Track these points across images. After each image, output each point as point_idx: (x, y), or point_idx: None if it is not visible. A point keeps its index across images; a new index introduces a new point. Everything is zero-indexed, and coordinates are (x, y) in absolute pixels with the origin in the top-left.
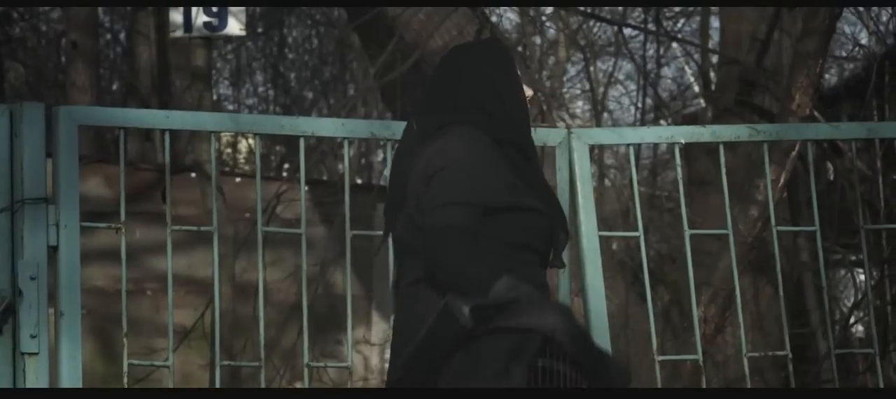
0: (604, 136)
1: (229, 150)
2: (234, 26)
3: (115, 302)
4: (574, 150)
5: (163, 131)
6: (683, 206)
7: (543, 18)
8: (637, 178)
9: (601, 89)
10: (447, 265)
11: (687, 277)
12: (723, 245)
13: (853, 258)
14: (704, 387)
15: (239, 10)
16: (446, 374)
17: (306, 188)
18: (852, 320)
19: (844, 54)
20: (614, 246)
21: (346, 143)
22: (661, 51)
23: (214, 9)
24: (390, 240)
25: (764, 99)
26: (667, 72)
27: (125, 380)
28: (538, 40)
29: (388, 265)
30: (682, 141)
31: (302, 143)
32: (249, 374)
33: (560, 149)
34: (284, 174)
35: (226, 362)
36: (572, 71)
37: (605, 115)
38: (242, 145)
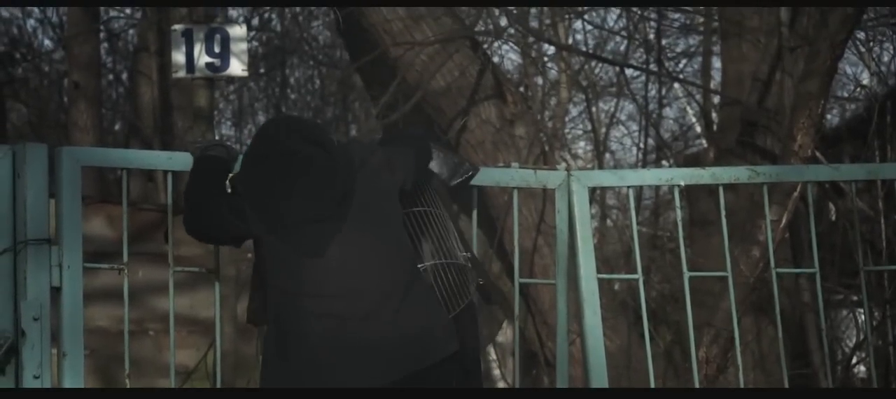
0: (604, 177)
1: None
2: (237, 67)
3: (117, 342)
4: (574, 192)
5: (165, 172)
6: (683, 248)
7: (545, 59)
8: (639, 219)
9: (603, 130)
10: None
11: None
12: (725, 285)
13: (855, 298)
14: None
15: (241, 51)
16: None
17: None
18: (854, 361)
19: (846, 95)
20: (616, 287)
21: None
22: (663, 91)
23: (217, 49)
24: None
25: (766, 139)
26: (668, 112)
27: None
28: (540, 81)
29: None
30: (682, 183)
31: None
32: None
33: (560, 191)
34: None
35: None
36: (574, 111)
37: (607, 155)
38: None
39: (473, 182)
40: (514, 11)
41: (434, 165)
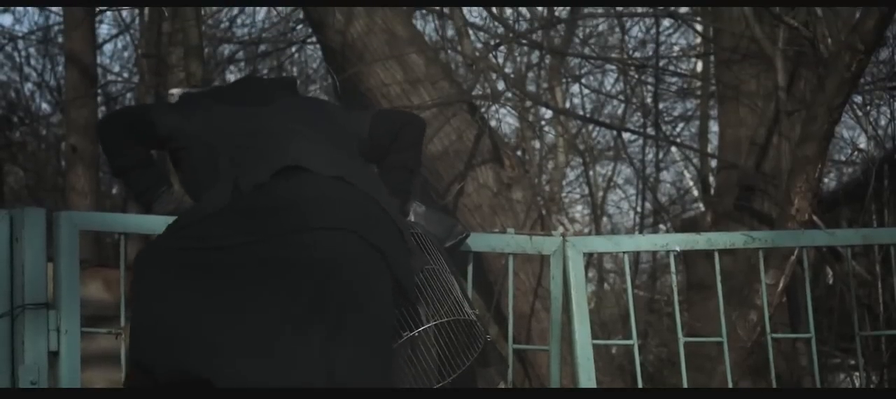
0: (599, 243)
1: None
2: None
3: None
4: (569, 258)
5: None
6: (677, 314)
7: (542, 122)
8: (636, 282)
9: (600, 194)
10: None
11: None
12: (722, 349)
13: (852, 363)
14: None
15: None
16: None
17: None
18: None
19: (843, 159)
20: (614, 350)
21: None
22: (661, 155)
23: None
24: None
25: (763, 203)
26: (666, 176)
27: None
28: (537, 145)
29: None
30: (678, 248)
31: None
32: None
33: (555, 257)
34: None
35: None
36: (571, 175)
37: (605, 219)
38: None
39: (470, 247)
40: (512, 76)
41: (429, 224)
